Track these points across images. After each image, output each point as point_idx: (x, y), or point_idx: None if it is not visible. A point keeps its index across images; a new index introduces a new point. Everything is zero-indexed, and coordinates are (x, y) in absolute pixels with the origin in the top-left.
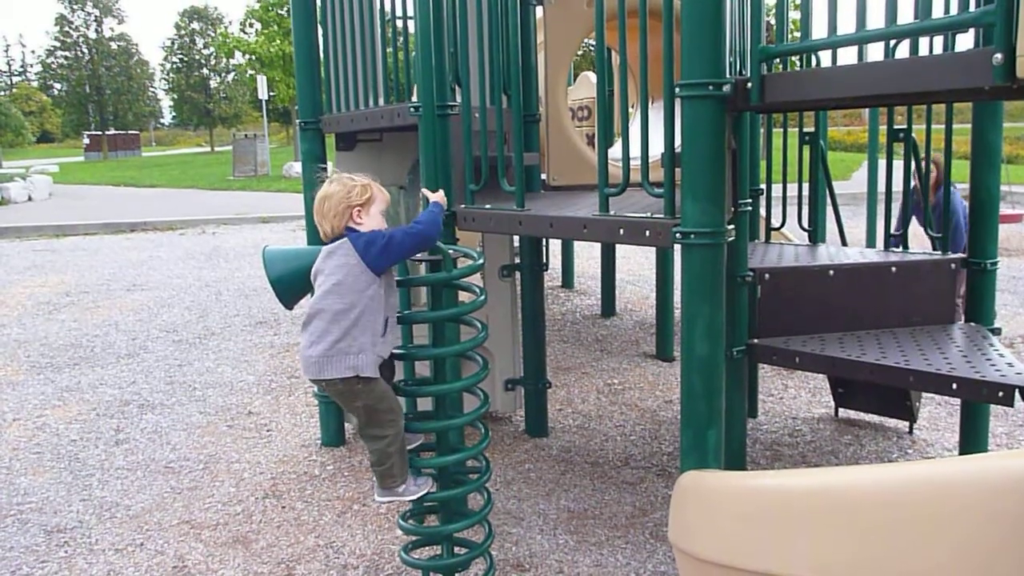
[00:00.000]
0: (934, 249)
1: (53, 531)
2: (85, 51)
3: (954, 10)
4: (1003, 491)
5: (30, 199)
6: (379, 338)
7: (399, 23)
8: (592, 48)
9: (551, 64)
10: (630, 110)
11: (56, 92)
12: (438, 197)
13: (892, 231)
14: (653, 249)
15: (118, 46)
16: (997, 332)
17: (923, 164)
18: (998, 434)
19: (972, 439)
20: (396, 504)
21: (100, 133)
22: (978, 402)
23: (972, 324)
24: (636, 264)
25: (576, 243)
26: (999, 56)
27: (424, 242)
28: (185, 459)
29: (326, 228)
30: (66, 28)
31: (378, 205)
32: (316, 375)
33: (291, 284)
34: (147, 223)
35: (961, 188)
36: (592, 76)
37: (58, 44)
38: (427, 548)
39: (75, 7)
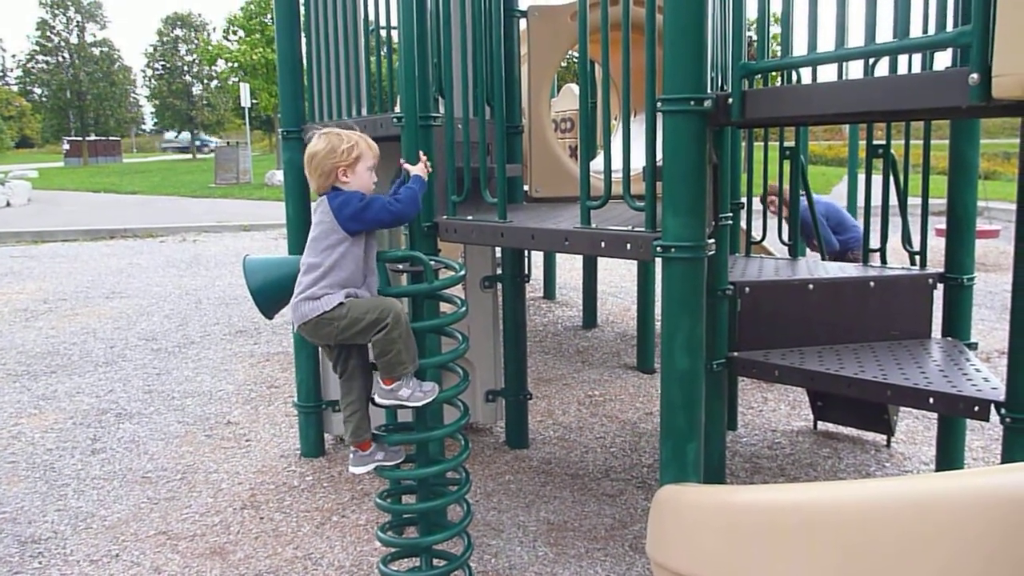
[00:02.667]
0: (911, 264)
1: (27, 541)
2: (67, 56)
3: (932, 30)
4: (990, 508)
5: (8, 205)
6: (353, 289)
7: (383, 33)
8: (575, 60)
9: (534, 76)
10: (612, 123)
11: (36, 97)
12: (419, 170)
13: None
14: (635, 261)
15: (100, 52)
16: (974, 347)
17: (901, 180)
18: (975, 448)
19: (949, 453)
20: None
21: (80, 139)
22: (955, 416)
23: (949, 339)
24: (618, 276)
25: (558, 255)
26: (975, 76)
27: (401, 220)
28: (162, 469)
29: (313, 186)
30: (48, 33)
31: (365, 162)
32: (294, 315)
33: (272, 294)
34: (127, 230)
35: (938, 204)
36: (575, 88)
37: (39, 49)
38: (406, 560)
39: (57, 12)
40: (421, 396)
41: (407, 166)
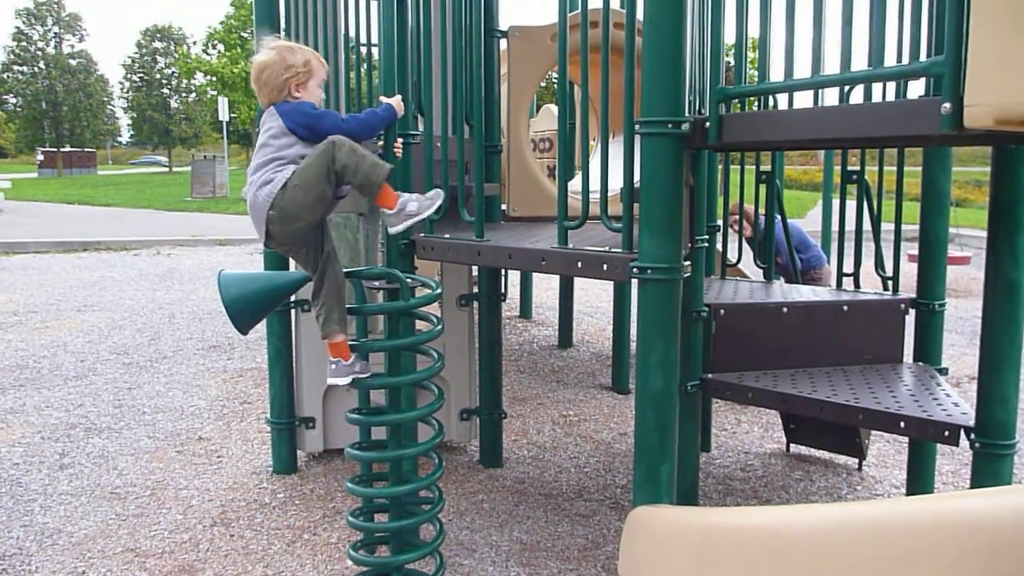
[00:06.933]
0: (884, 289)
1: None
2: (43, 66)
3: (906, 59)
4: (960, 533)
5: None
6: None
7: (363, 50)
8: (555, 80)
9: (514, 96)
10: (591, 144)
11: (11, 107)
12: (394, 101)
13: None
14: (611, 282)
15: (77, 63)
16: (944, 372)
17: (875, 205)
18: (944, 472)
19: (919, 477)
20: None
21: (55, 150)
22: (925, 440)
23: (920, 363)
24: (594, 296)
25: (535, 274)
26: (947, 106)
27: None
28: (132, 485)
29: (263, 99)
30: (24, 43)
31: (317, 77)
32: (261, 222)
33: (246, 309)
34: (100, 242)
35: (911, 230)
36: (554, 108)
37: (15, 59)
38: None
39: (34, 23)
40: (429, 204)
41: (384, 97)
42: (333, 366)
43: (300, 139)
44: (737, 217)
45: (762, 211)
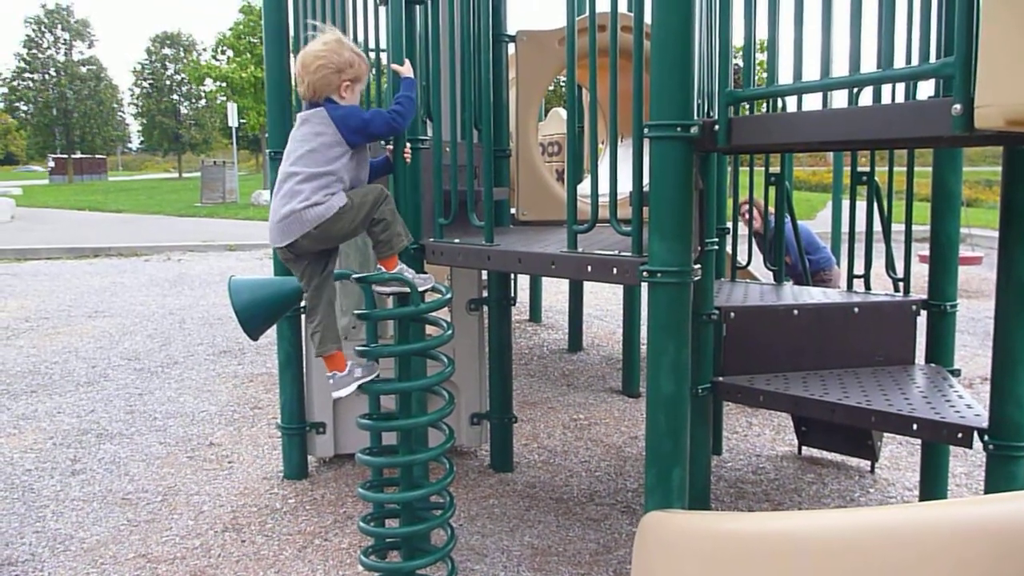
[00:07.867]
0: (895, 290)
1: (4, 564)
2: (53, 74)
3: (915, 61)
4: (976, 538)
5: None
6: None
7: (372, 55)
8: (563, 84)
9: (522, 100)
10: (599, 147)
11: (22, 114)
12: (407, 71)
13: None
14: (621, 285)
15: (87, 69)
16: (957, 373)
17: (885, 206)
18: (957, 474)
19: (932, 479)
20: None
21: (66, 156)
22: (938, 443)
23: (932, 365)
24: (604, 299)
25: (544, 278)
26: (958, 107)
27: (400, 129)
28: (143, 491)
29: (307, 91)
30: (34, 50)
31: (362, 84)
32: (295, 233)
33: (257, 314)
34: (111, 248)
35: (921, 230)
36: (562, 112)
37: (25, 66)
38: None
39: (44, 30)
40: (420, 283)
41: (395, 67)
42: (331, 380)
43: (350, 146)
44: (747, 207)
45: (771, 212)
